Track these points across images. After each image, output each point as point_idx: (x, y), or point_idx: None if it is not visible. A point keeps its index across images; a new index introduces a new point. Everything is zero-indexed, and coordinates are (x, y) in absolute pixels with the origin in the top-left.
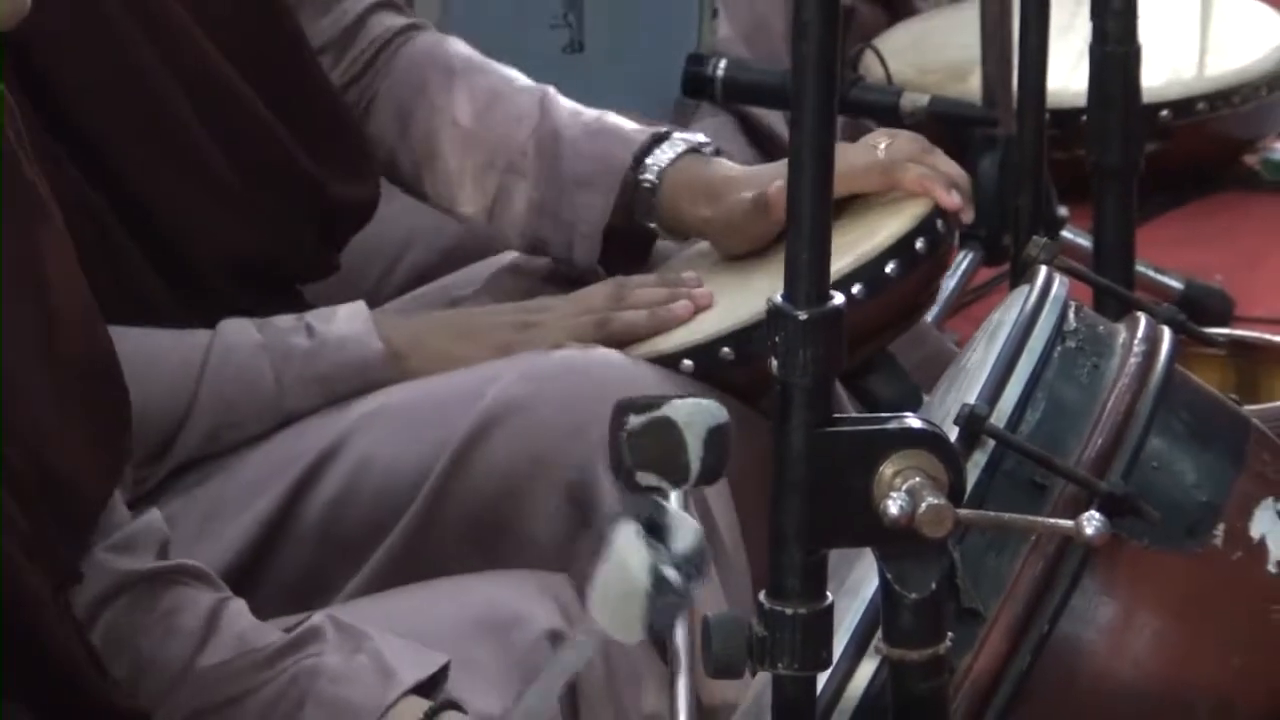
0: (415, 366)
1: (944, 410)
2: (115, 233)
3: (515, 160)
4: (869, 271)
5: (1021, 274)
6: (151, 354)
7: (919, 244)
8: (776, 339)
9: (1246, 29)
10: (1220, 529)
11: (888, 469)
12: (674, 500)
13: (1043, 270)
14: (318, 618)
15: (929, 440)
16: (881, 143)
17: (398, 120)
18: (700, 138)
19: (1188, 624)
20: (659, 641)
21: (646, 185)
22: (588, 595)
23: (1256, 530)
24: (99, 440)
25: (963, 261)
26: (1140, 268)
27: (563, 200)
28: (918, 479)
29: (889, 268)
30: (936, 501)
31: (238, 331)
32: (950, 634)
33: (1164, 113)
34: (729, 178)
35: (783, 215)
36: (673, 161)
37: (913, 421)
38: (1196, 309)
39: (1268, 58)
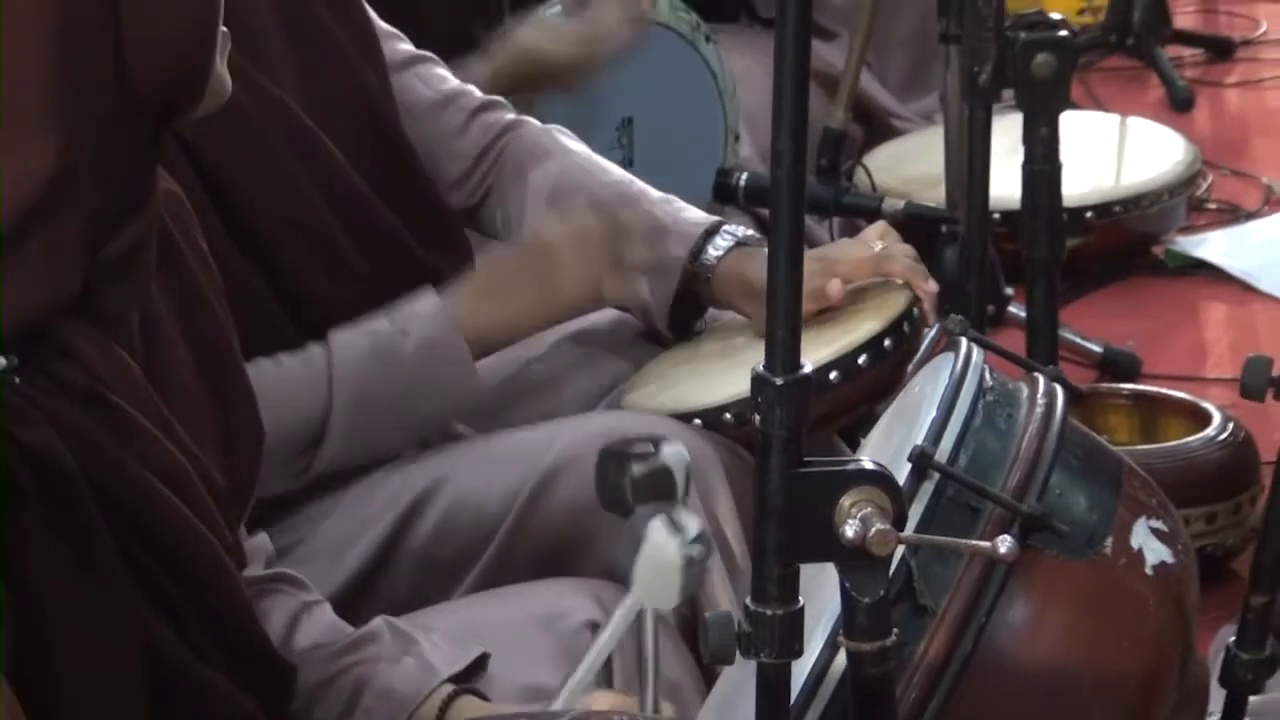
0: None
1: (891, 448)
2: (275, 314)
3: None
4: (844, 363)
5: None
6: (284, 373)
7: (887, 342)
8: (759, 399)
9: (1153, 149)
10: (1109, 542)
11: (846, 500)
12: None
13: (964, 341)
14: (376, 622)
15: (878, 479)
16: (875, 237)
17: (508, 202)
18: (746, 231)
19: (1088, 616)
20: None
21: (704, 279)
22: (629, 577)
23: (1136, 542)
24: (241, 464)
25: (930, 330)
26: (1067, 334)
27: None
28: (869, 509)
29: (861, 360)
30: (883, 527)
31: (350, 342)
32: (908, 628)
33: (1088, 214)
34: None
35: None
36: (720, 259)
37: (866, 464)
38: (1112, 368)
39: (1170, 171)
